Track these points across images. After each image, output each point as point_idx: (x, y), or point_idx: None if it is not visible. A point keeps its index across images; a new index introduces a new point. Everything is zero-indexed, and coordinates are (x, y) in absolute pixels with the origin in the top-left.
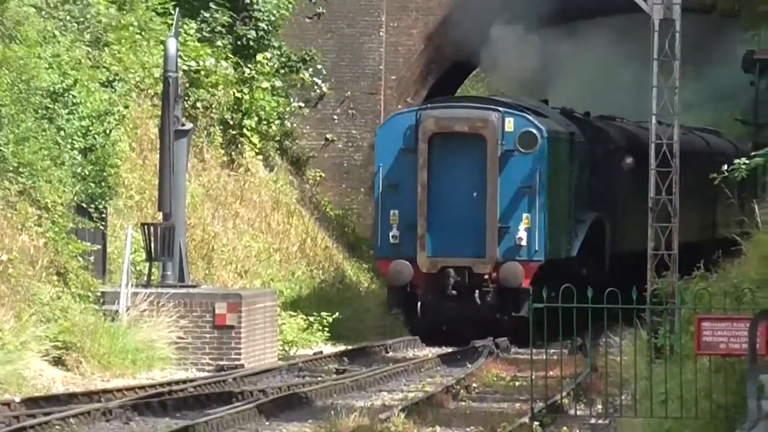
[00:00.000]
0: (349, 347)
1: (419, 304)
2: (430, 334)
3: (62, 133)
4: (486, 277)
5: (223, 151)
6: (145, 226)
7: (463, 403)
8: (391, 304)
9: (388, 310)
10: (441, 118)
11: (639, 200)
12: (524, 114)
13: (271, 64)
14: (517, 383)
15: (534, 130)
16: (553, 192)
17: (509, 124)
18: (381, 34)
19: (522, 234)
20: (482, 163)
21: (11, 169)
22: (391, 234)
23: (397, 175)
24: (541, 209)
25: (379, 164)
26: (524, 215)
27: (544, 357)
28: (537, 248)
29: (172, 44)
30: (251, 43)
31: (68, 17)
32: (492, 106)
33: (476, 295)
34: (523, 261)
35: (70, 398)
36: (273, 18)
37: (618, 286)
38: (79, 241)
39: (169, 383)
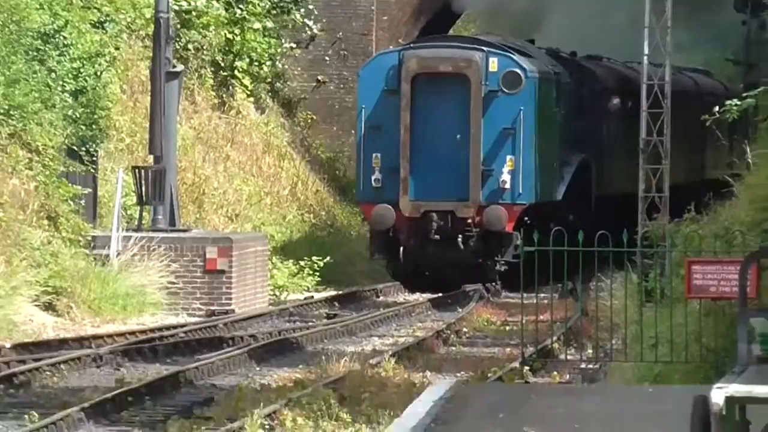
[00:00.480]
0: (340, 292)
1: (402, 249)
2: (412, 280)
3: (53, 75)
4: (469, 221)
5: (214, 94)
6: (136, 170)
7: (454, 348)
8: (374, 249)
9: (370, 256)
10: (424, 58)
11: (626, 142)
12: (509, 54)
13: (263, 4)
14: (507, 328)
15: (518, 70)
16: (538, 134)
17: (493, 64)
18: None
19: (506, 177)
20: (466, 104)
21: (2, 111)
22: (373, 177)
23: (379, 116)
24: (526, 151)
25: (362, 106)
26: (508, 157)
27: (535, 301)
28: (521, 191)
29: None
30: None
31: None
32: (476, 46)
33: (459, 239)
34: (507, 204)
35: (60, 344)
36: None
37: (604, 229)
38: (70, 184)
39: (159, 329)
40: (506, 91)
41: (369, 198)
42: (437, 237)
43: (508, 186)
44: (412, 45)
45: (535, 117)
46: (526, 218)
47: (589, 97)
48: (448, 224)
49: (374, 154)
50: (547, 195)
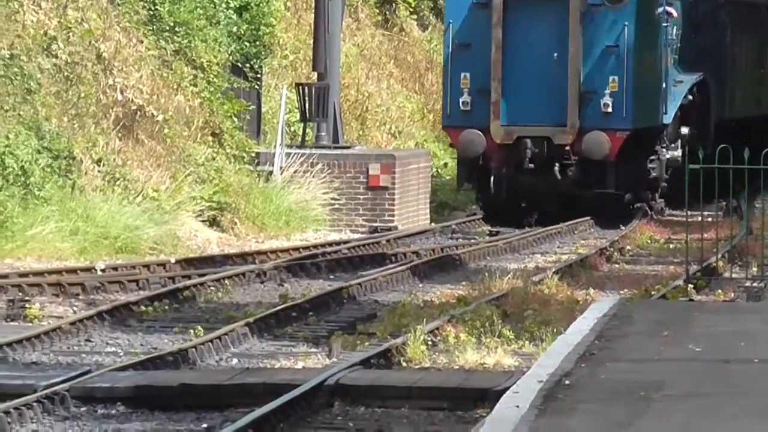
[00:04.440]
0: None
1: (492, 178)
2: (504, 212)
3: None
4: (567, 148)
5: (377, 11)
6: (300, 86)
7: (617, 266)
8: (462, 178)
9: (457, 186)
10: None
11: (756, 62)
12: None
13: None
14: (671, 246)
15: None
16: (645, 52)
17: None
18: None
19: (608, 100)
20: (564, 20)
21: (167, 28)
22: (461, 100)
23: (468, 33)
24: (630, 71)
25: (449, 21)
26: (611, 78)
27: (700, 219)
28: (625, 115)
29: None
30: None
31: None
32: None
33: (556, 168)
34: (609, 130)
35: (224, 259)
36: None
37: (724, 156)
38: (235, 99)
39: (323, 245)
40: (609, 4)
41: (457, 122)
42: (531, 165)
43: (610, 110)
44: None
45: (642, 33)
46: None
47: (709, 12)
48: (543, 151)
49: (463, 74)
50: (655, 119)
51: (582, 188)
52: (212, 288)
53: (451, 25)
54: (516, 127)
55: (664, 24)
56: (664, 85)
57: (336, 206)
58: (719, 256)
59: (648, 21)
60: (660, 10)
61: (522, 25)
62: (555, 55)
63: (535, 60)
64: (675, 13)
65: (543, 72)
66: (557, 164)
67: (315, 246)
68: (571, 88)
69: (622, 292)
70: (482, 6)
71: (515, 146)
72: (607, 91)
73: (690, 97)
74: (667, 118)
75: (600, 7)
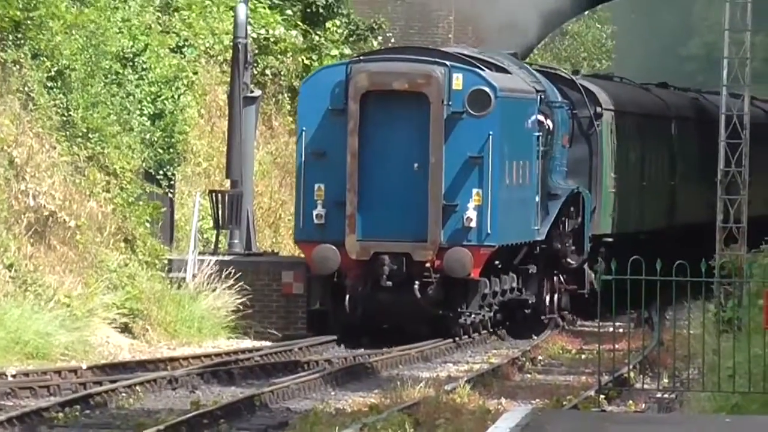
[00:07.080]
0: None
1: (347, 297)
2: (360, 333)
3: (131, 98)
4: (427, 265)
5: (291, 119)
6: (213, 194)
7: (529, 376)
8: (314, 296)
9: (308, 305)
10: (375, 72)
11: (638, 173)
12: (476, 69)
13: (340, 31)
14: (582, 356)
15: (487, 89)
16: (513, 163)
17: (457, 80)
18: (450, 1)
19: (471, 214)
20: (425, 128)
21: (80, 134)
22: (315, 212)
23: (323, 141)
24: (496, 184)
25: (302, 128)
26: (474, 191)
27: (612, 330)
28: (489, 231)
29: (242, 10)
30: (320, 10)
31: None
32: (437, 60)
33: (416, 287)
34: (473, 246)
35: (136, 366)
36: None
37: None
38: (148, 204)
39: (235, 352)
40: (472, 113)
41: (309, 237)
42: (390, 283)
43: (473, 224)
44: (362, 57)
45: (509, 143)
46: (496, 262)
47: (589, 121)
48: (402, 269)
49: (317, 185)
50: (524, 234)
51: (444, 308)
52: (124, 394)
53: (304, 132)
54: (373, 242)
55: (536, 134)
56: (537, 199)
57: (248, 313)
58: (631, 366)
59: (515, 130)
60: (532, 119)
61: (380, 132)
62: (415, 165)
63: (394, 170)
64: (548, 122)
65: (402, 183)
66: (417, 282)
67: (227, 353)
68: (432, 201)
69: (534, 401)
70: (338, 112)
71: (372, 263)
72: (471, 205)
73: (564, 210)
74: (539, 234)
75: (462, 115)
